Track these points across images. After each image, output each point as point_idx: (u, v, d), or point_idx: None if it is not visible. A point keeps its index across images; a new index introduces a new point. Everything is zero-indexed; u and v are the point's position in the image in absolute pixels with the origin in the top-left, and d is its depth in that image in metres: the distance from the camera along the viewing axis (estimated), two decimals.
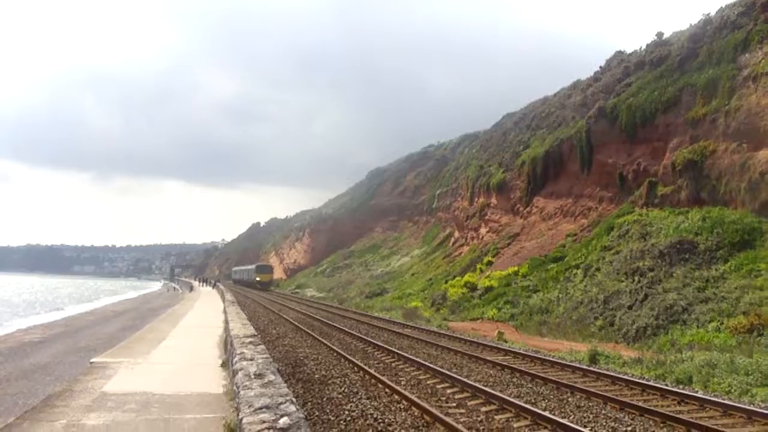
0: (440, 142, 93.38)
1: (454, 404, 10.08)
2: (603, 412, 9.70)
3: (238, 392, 6.25)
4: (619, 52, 43.92)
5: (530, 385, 11.86)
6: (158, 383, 9.98)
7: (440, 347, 17.44)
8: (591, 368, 13.46)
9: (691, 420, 8.89)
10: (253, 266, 79.21)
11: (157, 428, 7.29)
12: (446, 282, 40.24)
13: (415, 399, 9.79)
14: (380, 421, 8.70)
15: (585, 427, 8.65)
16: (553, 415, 9.07)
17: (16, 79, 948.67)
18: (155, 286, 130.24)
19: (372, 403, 9.82)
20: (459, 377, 11.92)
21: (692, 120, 27.66)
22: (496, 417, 9.21)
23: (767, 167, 22.58)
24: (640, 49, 40.04)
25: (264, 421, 4.72)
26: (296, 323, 24.15)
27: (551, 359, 14.87)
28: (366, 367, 12.93)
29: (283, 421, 4.71)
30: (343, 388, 10.98)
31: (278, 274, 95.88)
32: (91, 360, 12.99)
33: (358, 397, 10.31)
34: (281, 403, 5.29)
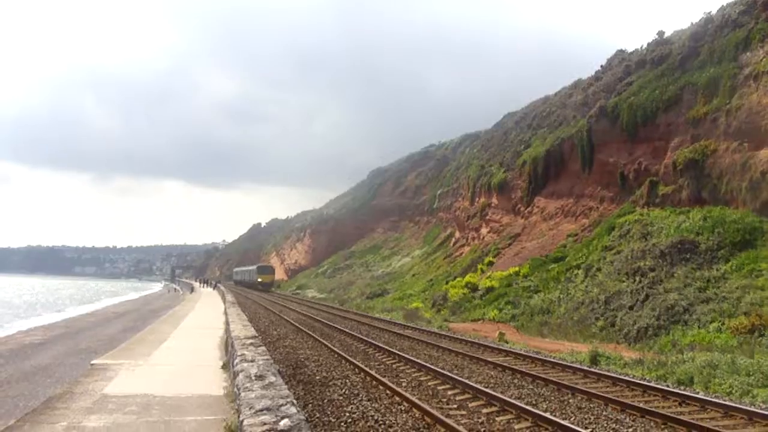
0: (441, 142, 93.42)
1: (455, 406, 10.07)
2: (604, 413, 9.68)
3: (239, 394, 6.24)
4: (620, 51, 43.87)
5: (531, 387, 11.85)
6: (159, 385, 9.98)
7: (441, 348, 17.43)
8: (592, 369, 13.45)
9: (692, 421, 8.87)
10: (254, 267, 79.23)
11: (157, 430, 7.28)
12: (447, 283, 40.22)
13: (416, 401, 9.78)
14: (381, 422, 8.69)
15: (586, 428, 8.64)
16: (555, 416, 9.06)
17: (16, 80, 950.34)
18: (156, 287, 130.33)
19: (373, 405, 9.81)
20: (460, 378, 11.90)
21: (693, 119, 27.65)
22: (497, 419, 9.20)
23: None
24: (641, 47, 40.03)
25: (265, 423, 4.70)
26: (297, 324, 24.14)
27: (552, 360, 14.86)
28: (367, 369, 12.92)
29: (284, 423, 4.70)
30: (344, 390, 10.97)
31: (279, 274, 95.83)
32: (92, 362, 12.98)
33: (359, 398, 10.30)
34: (282, 405, 5.28)
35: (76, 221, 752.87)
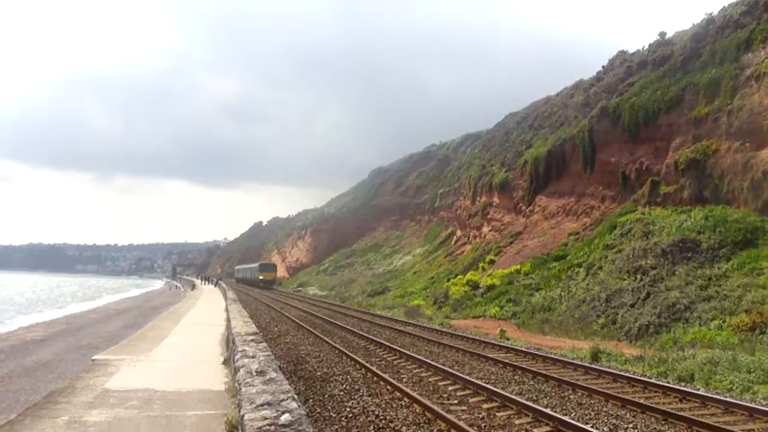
0: (442, 141, 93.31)
1: (456, 401, 10.09)
2: (604, 409, 9.70)
3: (240, 389, 6.25)
4: (622, 52, 43.88)
5: (532, 383, 11.86)
6: (160, 380, 10.00)
7: (442, 345, 17.45)
8: (593, 366, 13.45)
9: (692, 417, 8.88)
10: (256, 264, 79.20)
11: (159, 425, 7.30)
12: (448, 280, 40.25)
13: (417, 396, 9.80)
14: (382, 417, 8.71)
15: (586, 424, 8.64)
16: (555, 412, 9.07)
17: (17, 80, 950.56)
18: (157, 284, 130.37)
19: (374, 400, 9.83)
20: (461, 374, 11.92)
21: (695, 119, 27.64)
22: (497, 414, 9.22)
23: None
24: (643, 48, 40.03)
25: (265, 418, 4.71)
26: (298, 321, 24.18)
27: (553, 357, 14.87)
28: (368, 365, 12.94)
29: (285, 418, 4.70)
30: (344, 386, 10.99)
31: (280, 272, 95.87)
32: (93, 357, 13.02)
33: (360, 394, 10.32)
34: (283, 400, 5.29)
35: (77, 220, 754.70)
